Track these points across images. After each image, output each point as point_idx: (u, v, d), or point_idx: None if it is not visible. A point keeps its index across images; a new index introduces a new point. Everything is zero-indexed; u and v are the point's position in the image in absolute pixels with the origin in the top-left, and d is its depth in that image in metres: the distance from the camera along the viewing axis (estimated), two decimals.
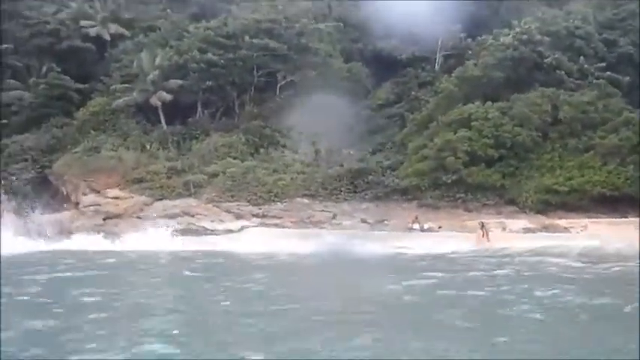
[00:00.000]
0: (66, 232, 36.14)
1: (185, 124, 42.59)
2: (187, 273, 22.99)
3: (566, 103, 35.06)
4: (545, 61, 37.29)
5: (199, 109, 43.27)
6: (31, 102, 44.06)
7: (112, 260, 26.17)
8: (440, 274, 20.76)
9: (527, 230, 30.78)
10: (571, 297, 15.92)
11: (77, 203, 38.66)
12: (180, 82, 41.89)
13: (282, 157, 39.70)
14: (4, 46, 45.80)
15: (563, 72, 36.88)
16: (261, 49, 41.79)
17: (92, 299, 16.24)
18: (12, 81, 45.91)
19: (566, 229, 30.45)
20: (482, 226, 28.72)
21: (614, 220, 30.24)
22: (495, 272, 20.99)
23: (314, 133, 41.76)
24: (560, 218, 31.77)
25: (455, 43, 44.29)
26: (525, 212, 33.17)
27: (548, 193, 33.01)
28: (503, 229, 31.42)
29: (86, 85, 45.85)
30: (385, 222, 34.10)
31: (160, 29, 47.86)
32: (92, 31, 47.83)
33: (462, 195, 34.80)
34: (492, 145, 34.70)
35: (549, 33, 38.18)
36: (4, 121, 44.19)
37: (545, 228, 30.94)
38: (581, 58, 37.56)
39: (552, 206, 32.87)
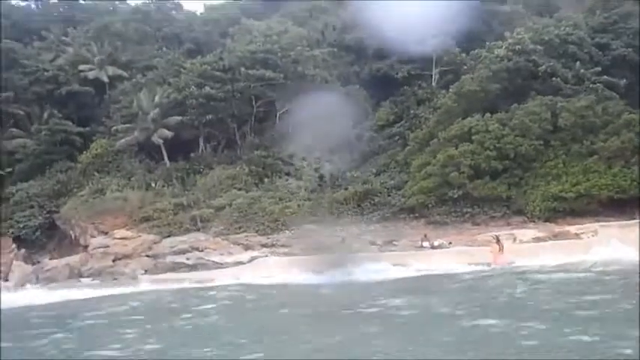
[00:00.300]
0: (76, 276, 36.16)
1: (188, 160, 42.87)
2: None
3: (565, 110, 35.04)
4: (540, 69, 37.43)
5: (201, 143, 43.63)
6: (34, 149, 44.53)
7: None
8: (479, 295, 18.77)
9: (537, 240, 30.52)
10: None
11: (86, 246, 38.67)
12: (180, 118, 42.32)
13: (286, 185, 39.77)
14: (5, 94, 46.38)
15: (559, 79, 36.98)
16: (258, 80, 42.19)
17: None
18: (14, 129, 46.51)
19: (576, 236, 30.18)
20: (498, 240, 28.15)
21: (623, 222, 29.98)
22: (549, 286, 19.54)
23: (317, 158, 41.97)
24: (570, 225, 31.51)
25: (450, 59, 44.54)
26: (534, 221, 33.00)
27: (555, 200, 32.84)
28: (514, 240, 31.16)
29: (87, 128, 46.43)
30: (394, 242, 33.92)
31: (156, 68, 48.46)
32: (90, 75, 48.52)
33: (469, 209, 34.70)
34: (495, 157, 34.65)
35: (542, 41, 38.36)
36: (9, 169, 44.64)
37: (556, 236, 30.68)
38: (576, 63, 37.68)
39: (561, 213, 32.69)
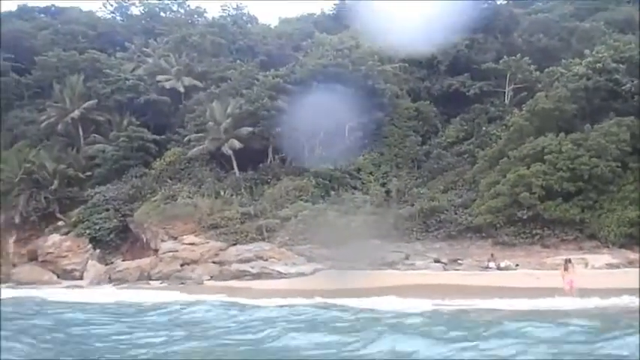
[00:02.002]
0: (145, 278, 37.41)
1: (256, 170, 43.63)
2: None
3: None
4: (622, 88, 35.98)
5: (270, 154, 44.27)
6: (113, 154, 46.48)
7: None
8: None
9: (610, 266, 29.25)
10: None
11: (156, 250, 40.00)
12: (250, 129, 43.16)
13: (352, 199, 39.74)
14: (89, 102, 48.77)
15: None
16: (329, 93, 42.37)
17: None
18: (96, 135, 48.75)
19: None
20: (568, 262, 26.03)
21: None
22: None
23: (384, 173, 41.84)
24: None
25: (524, 76, 43.55)
26: (608, 247, 31.69)
27: (631, 225, 31.40)
28: (586, 265, 29.99)
29: (163, 136, 48.09)
30: (459, 261, 33.35)
31: (230, 79, 49.68)
32: (167, 85, 50.32)
33: (539, 231, 33.70)
34: (568, 178, 33.48)
35: (623, 60, 36.87)
36: (88, 173, 46.78)
37: (631, 263, 29.32)
38: None
39: (636, 239, 31.22)
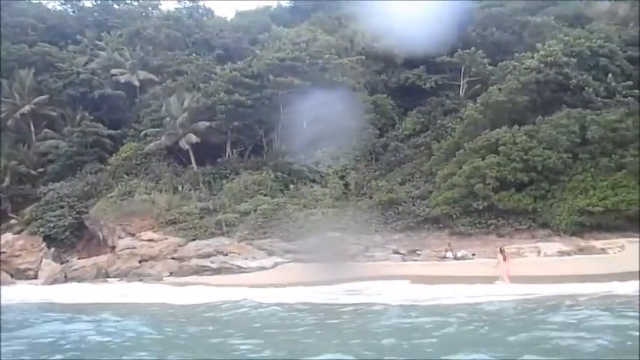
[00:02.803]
0: (103, 275, 36.84)
1: (215, 164, 43.37)
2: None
3: (594, 123, 34.61)
4: (571, 82, 37.05)
5: (228, 148, 44.11)
6: (66, 150, 45.53)
7: None
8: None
9: (562, 253, 30.21)
10: None
11: (114, 247, 39.40)
12: (208, 123, 42.88)
13: (312, 192, 39.94)
14: (40, 97, 47.55)
15: (589, 92, 36.57)
16: (286, 87, 42.46)
17: None
18: (48, 131, 47.63)
19: (602, 251, 29.85)
20: (502, 251, 26.78)
21: None
22: None
23: (342, 166, 42.12)
24: (596, 239, 31.18)
25: (478, 69, 44.45)
26: (560, 235, 32.67)
27: (582, 214, 32.46)
28: (538, 253, 30.93)
29: (118, 131, 47.32)
30: (418, 252, 33.93)
31: (187, 73, 49.20)
32: (122, 79, 49.47)
33: (494, 221, 34.53)
34: (522, 169, 34.39)
35: (574, 54, 37.95)
36: (41, 169, 45.69)
37: (581, 250, 30.36)
38: (607, 76, 37.23)
39: (587, 227, 32.31)
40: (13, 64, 49.54)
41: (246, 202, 39.32)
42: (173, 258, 36.78)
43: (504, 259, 25.92)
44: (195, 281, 33.06)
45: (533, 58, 38.46)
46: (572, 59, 37.19)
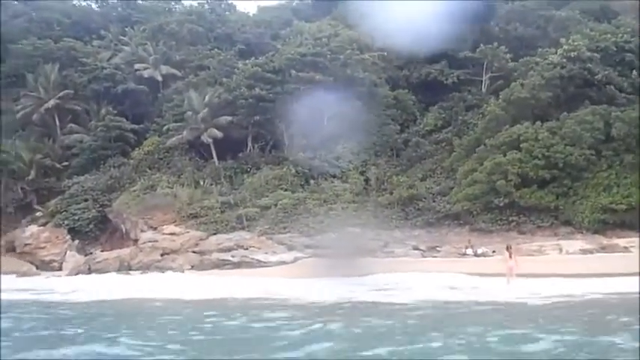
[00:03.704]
0: (125, 268, 37.33)
1: (236, 159, 43.61)
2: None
3: (618, 120, 34.17)
4: (596, 77, 36.60)
5: (249, 143, 44.32)
6: (90, 144, 46.14)
7: None
8: None
9: (584, 251, 29.93)
10: None
11: (136, 240, 39.90)
12: (229, 118, 43.12)
13: (332, 187, 39.95)
14: (65, 91, 48.22)
15: (614, 88, 36.09)
16: (307, 82, 42.50)
17: None
18: (72, 125, 48.29)
19: (625, 249, 29.50)
20: (508, 248, 26.96)
21: None
22: None
23: (363, 161, 42.10)
24: (619, 237, 30.86)
25: (501, 65, 44.00)
26: (582, 233, 32.41)
27: (605, 212, 32.16)
28: (560, 250, 30.68)
29: (141, 126, 47.80)
30: (437, 248, 33.86)
31: (209, 68, 49.47)
32: (145, 73, 49.89)
33: (515, 218, 34.31)
34: (544, 165, 34.09)
35: (598, 49, 37.46)
36: (66, 163, 46.39)
37: (604, 248, 30.05)
38: (633, 72, 36.67)
39: (610, 225, 32.05)
40: (39, 59, 50.27)
41: (267, 196, 39.50)
42: (194, 251, 37.13)
43: (510, 256, 25.88)
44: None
45: (556, 53, 37.99)
46: (597, 54, 36.72)
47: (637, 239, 29.73)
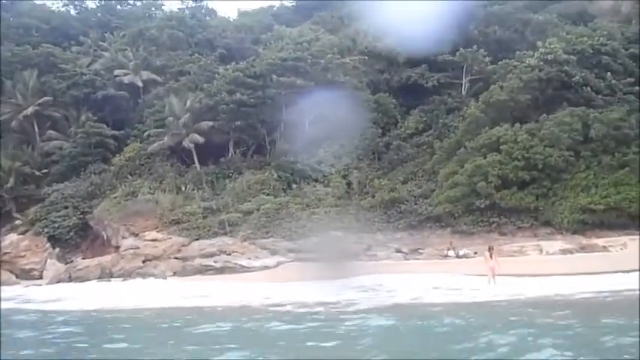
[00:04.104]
0: (107, 275, 37.04)
1: (218, 164, 43.54)
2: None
3: (597, 121, 34.68)
4: (573, 80, 37.09)
5: (231, 148, 44.26)
6: (70, 151, 45.78)
7: None
8: None
9: (564, 251, 30.28)
10: None
11: (117, 247, 39.60)
12: (211, 123, 43.04)
13: (314, 192, 40.02)
14: (44, 98, 47.78)
15: (591, 90, 36.60)
16: (289, 87, 42.56)
17: None
18: (52, 132, 47.89)
19: (604, 249, 29.91)
20: (490, 249, 27.03)
21: None
22: None
23: (345, 165, 42.20)
24: (598, 237, 31.27)
25: (480, 68, 44.42)
26: (562, 233, 32.77)
27: (584, 212, 32.55)
28: (540, 251, 31.00)
29: (122, 132, 47.55)
30: (420, 250, 34.05)
31: (189, 73, 49.36)
32: (125, 79, 49.65)
33: (496, 219, 34.60)
34: (523, 167, 34.46)
35: (575, 52, 37.98)
36: (45, 170, 45.95)
37: (583, 248, 30.46)
38: (609, 74, 37.23)
39: (589, 225, 32.41)
40: (17, 66, 49.79)
41: (249, 201, 39.47)
42: (177, 258, 36.96)
43: (491, 256, 26.08)
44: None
45: (534, 56, 38.46)
46: (573, 57, 37.25)
47: (616, 239, 30.14)
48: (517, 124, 36.22)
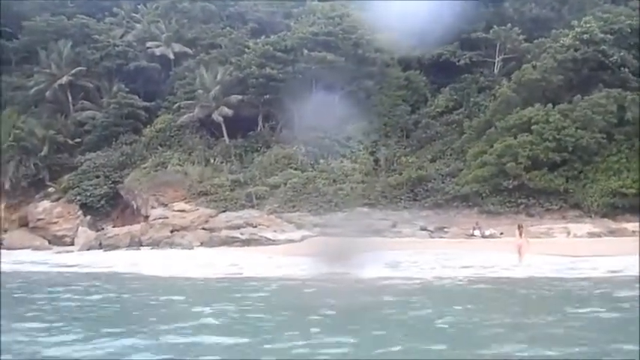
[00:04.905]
0: (136, 244, 37.79)
1: (246, 138, 43.80)
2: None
3: (633, 103, 33.96)
4: (610, 60, 36.26)
5: (260, 122, 44.42)
6: (103, 121, 46.40)
7: None
8: None
9: (592, 235, 29.93)
10: None
11: (147, 216, 40.35)
12: (240, 96, 43.21)
13: (341, 167, 40.09)
14: (78, 68, 48.44)
15: (628, 71, 35.75)
16: (319, 62, 42.42)
17: None
18: (85, 102, 48.56)
19: (633, 233, 29.44)
20: (520, 227, 26.03)
21: None
22: None
23: (373, 142, 42.12)
24: (628, 222, 30.81)
25: (514, 46, 43.62)
26: (591, 216, 32.42)
27: (614, 196, 32.14)
28: (568, 233, 30.69)
29: (152, 103, 47.96)
30: (445, 229, 33.99)
31: (220, 46, 49.39)
32: (157, 51, 49.92)
33: (524, 200, 34.33)
34: (554, 148, 34.03)
35: (612, 31, 37.04)
36: (78, 139, 46.76)
37: (612, 232, 30.07)
38: None
39: (619, 209, 32.04)
40: (52, 36, 50.41)
41: (277, 175, 39.75)
42: (204, 229, 37.51)
43: (520, 235, 25.59)
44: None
45: (569, 35, 37.62)
46: (610, 36, 36.31)
47: None
48: (549, 105, 35.63)
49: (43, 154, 45.21)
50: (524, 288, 18.18)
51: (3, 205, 45.45)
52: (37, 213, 42.78)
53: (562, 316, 13.27)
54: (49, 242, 41.15)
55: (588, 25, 36.68)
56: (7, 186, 44.96)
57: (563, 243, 29.20)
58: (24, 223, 43.50)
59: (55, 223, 42.04)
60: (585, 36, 36.36)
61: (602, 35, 36.37)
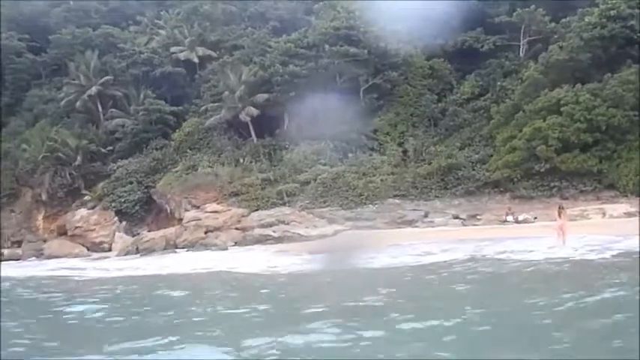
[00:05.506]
0: (172, 247, 38.38)
1: (274, 136, 44.06)
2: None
3: None
4: (638, 35, 35.49)
5: (286, 119, 44.57)
6: (132, 128, 47.21)
7: None
8: None
9: (629, 215, 29.41)
10: None
11: (180, 219, 40.91)
12: (266, 95, 43.48)
13: (370, 160, 40.13)
14: (106, 78, 49.34)
15: None
16: (342, 56, 42.43)
17: None
18: (114, 110, 49.45)
19: None
20: (560, 208, 25.48)
21: None
22: None
23: (400, 133, 42.01)
24: None
25: (539, 28, 42.93)
26: (626, 196, 31.88)
27: None
28: (603, 214, 30.22)
29: (180, 108, 48.56)
30: (478, 216, 33.76)
31: (243, 47, 49.74)
32: (182, 56, 50.54)
33: (557, 183, 33.90)
34: (586, 129, 33.48)
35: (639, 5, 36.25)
36: (110, 147, 47.66)
37: None
38: None
39: None
40: (79, 47, 51.45)
41: (306, 171, 39.93)
42: (237, 228, 37.90)
43: (560, 216, 25.04)
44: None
45: (594, 13, 36.91)
46: (637, 11, 35.50)
47: None
48: (578, 85, 35.04)
49: (77, 163, 46.22)
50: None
51: (41, 216, 46.68)
52: (74, 221, 43.77)
53: None
54: (88, 249, 42.04)
55: (614, 1, 35.92)
56: (44, 197, 46.17)
57: (598, 224, 28.69)
58: (62, 232, 44.54)
59: (93, 230, 42.95)
60: (612, 12, 35.63)
61: (629, 10, 35.62)
